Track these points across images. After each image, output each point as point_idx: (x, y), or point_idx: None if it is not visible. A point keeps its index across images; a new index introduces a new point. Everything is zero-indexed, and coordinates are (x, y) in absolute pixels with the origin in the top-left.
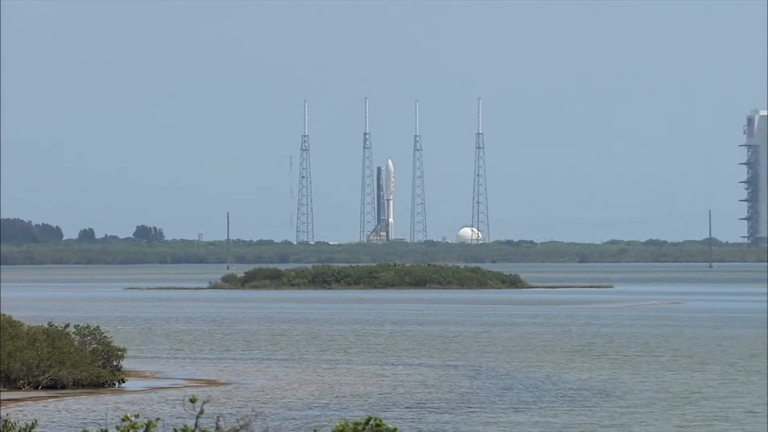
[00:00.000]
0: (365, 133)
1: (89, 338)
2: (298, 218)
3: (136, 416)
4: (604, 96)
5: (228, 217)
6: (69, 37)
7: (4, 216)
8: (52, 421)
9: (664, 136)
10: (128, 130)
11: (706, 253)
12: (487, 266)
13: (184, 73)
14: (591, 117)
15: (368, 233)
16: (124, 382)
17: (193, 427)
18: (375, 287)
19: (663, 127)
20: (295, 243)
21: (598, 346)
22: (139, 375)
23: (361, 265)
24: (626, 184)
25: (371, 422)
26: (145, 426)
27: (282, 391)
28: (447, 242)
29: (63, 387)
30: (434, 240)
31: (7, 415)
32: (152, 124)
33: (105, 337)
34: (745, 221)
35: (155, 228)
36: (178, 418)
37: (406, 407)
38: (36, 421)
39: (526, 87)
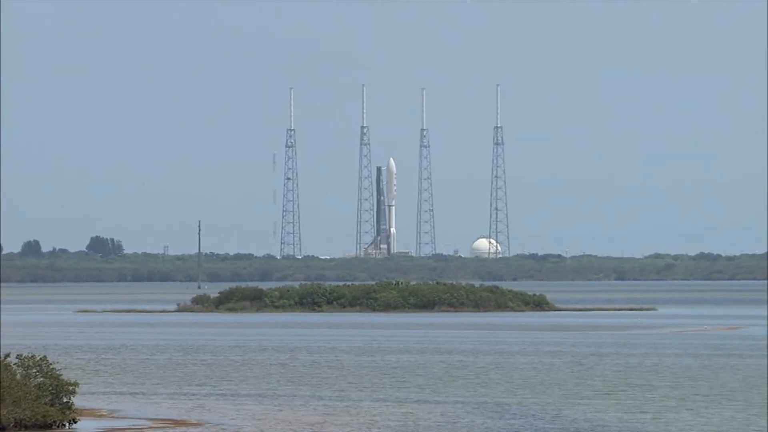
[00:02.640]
0: (362, 127)
1: (34, 370)
2: (282, 228)
3: None
4: (646, 88)
5: (199, 226)
6: (21, 35)
7: None
8: None
9: (717, 135)
10: (81, 125)
11: None
12: (507, 285)
13: (141, 55)
14: (631, 111)
15: (366, 246)
16: (75, 422)
17: None
18: (374, 310)
19: (715, 125)
20: (279, 257)
21: (632, 381)
22: (93, 414)
23: (357, 283)
24: (672, 188)
25: None
26: None
27: None
28: (459, 256)
29: (3, 429)
30: (444, 254)
31: None
32: (109, 118)
33: (53, 369)
34: None
35: (113, 240)
36: None
37: None
38: None
39: (553, 73)
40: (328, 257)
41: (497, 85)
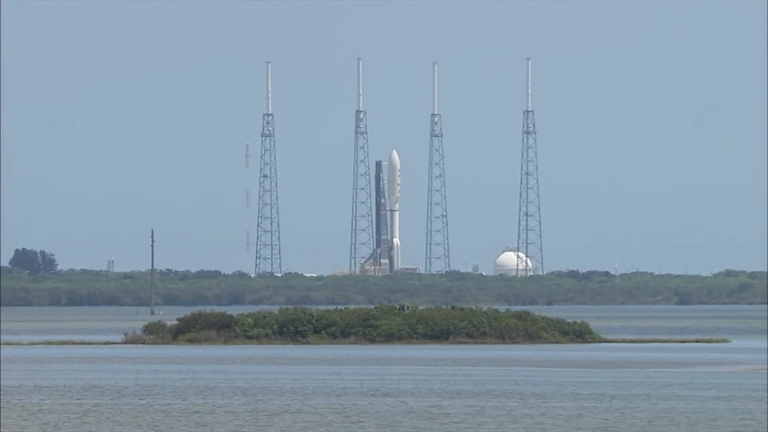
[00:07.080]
0: (358, 111)
1: None
2: (258, 238)
3: None
4: (707, 65)
5: (152, 236)
6: None
7: None
8: None
9: None
10: (5, 115)
11: None
12: (539, 310)
13: (73, 28)
14: (691, 93)
15: (363, 261)
16: None
17: None
18: (372, 341)
19: None
20: (253, 275)
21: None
22: None
23: (351, 307)
24: (747, 191)
25: None
26: None
27: None
28: (480, 274)
29: None
30: (461, 271)
31: None
32: (34, 101)
33: None
34: None
35: (43, 253)
36: None
37: None
38: None
39: (598, 46)
40: (315, 275)
41: (528, 58)
